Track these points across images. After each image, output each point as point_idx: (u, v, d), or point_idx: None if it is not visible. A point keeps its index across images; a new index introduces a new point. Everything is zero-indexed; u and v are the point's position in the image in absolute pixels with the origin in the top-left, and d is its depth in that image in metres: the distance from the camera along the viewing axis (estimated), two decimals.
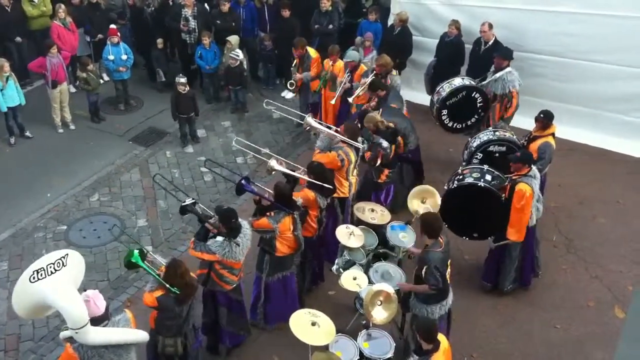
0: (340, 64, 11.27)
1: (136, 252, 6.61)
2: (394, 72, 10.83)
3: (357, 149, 8.80)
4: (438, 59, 12.17)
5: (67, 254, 6.00)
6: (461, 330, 7.99)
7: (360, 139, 9.01)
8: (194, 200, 7.35)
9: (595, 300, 8.71)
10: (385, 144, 9.02)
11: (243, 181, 7.66)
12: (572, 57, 11.65)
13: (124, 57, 12.77)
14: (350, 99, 10.66)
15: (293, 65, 11.93)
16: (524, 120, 10.64)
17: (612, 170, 11.20)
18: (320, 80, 11.47)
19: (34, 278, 5.72)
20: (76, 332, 5.67)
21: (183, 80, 11.73)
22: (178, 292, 6.47)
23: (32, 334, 8.25)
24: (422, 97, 11.85)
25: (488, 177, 8.41)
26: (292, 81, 11.93)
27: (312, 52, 11.85)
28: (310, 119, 9.14)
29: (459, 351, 7.69)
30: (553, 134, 9.02)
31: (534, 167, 8.21)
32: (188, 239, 8.98)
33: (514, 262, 8.51)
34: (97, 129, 12.64)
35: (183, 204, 7.25)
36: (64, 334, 5.95)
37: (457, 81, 10.62)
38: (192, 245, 7.18)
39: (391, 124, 9.28)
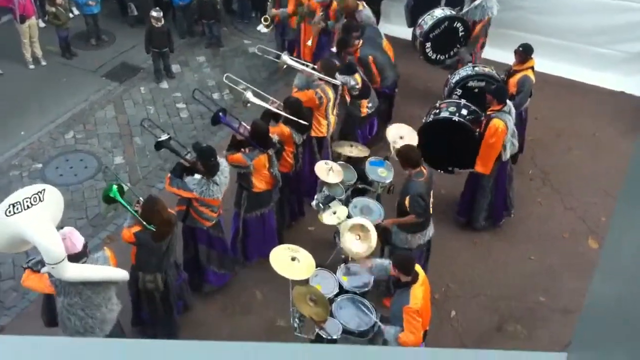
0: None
1: (115, 187, 6.57)
2: (361, 6, 10.54)
3: (334, 86, 8.69)
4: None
5: (45, 189, 5.92)
6: (438, 262, 8.12)
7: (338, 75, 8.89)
8: (169, 136, 7.29)
9: (569, 231, 8.88)
10: (349, 81, 8.84)
11: (220, 113, 7.57)
12: None
13: None
14: (333, 49, 10.38)
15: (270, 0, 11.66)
16: (502, 54, 10.59)
17: (587, 103, 11.27)
18: (297, 16, 11.19)
19: (9, 212, 5.65)
20: (53, 268, 5.69)
21: (156, 14, 11.39)
22: (154, 230, 6.49)
23: (13, 272, 8.24)
24: (401, 31, 11.69)
25: (464, 112, 8.45)
26: (267, 16, 11.65)
27: None
28: (286, 57, 8.90)
29: (436, 283, 7.85)
30: (532, 68, 9.00)
31: (509, 103, 8.22)
32: (166, 176, 8.90)
33: (487, 197, 8.59)
34: (69, 64, 12.36)
35: (158, 139, 7.19)
36: (43, 269, 5.96)
37: (438, 12, 10.48)
38: (168, 181, 7.17)
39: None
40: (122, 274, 6.31)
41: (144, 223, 6.48)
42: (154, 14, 11.40)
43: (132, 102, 11.42)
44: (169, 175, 7.20)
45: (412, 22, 11.27)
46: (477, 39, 10.66)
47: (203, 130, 10.60)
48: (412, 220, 7.18)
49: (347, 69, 8.96)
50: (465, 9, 10.60)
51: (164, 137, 7.22)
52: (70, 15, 12.76)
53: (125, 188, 6.80)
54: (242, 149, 7.56)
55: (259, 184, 7.73)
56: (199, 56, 12.77)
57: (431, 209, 7.31)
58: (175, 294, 7.25)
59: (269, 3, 11.64)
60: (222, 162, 7.21)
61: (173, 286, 7.13)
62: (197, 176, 7.05)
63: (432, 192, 7.27)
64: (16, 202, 5.67)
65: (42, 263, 6.00)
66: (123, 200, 6.60)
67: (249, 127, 7.64)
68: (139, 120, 10.79)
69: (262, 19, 11.80)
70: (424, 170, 7.11)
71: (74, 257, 5.85)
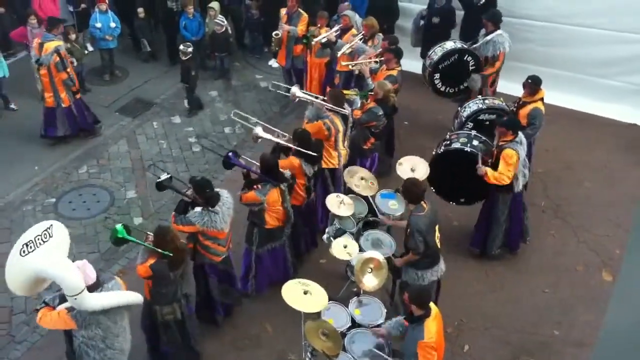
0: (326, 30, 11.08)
1: (120, 227, 6.59)
2: (380, 35, 10.71)
3: (344, 117, 8.76)
4: (427, 25, 12.09)
5: (52, 225, 6.04)
6: (450, 295, 8.06)
7: (346, 104, 8.97)
8: (169, 175, 7.34)
9: (583, 264, 8.81)
10: (381, 113, 8.97)
11: (230, 154, 7.65)
12: (558, 22, 11.71)
13: (112, 25, 12.58)
14: (338, 54, 10.51)
15: (280, 19, 11.77)
16: (512, 87, 10.62)
17: (598, 135, 11.26)
18: (304, 39, 11.26)
19: (24, 252, 5.73)
20: (75, 299, 5.72)
21: (182, 47, 11.58)
22: (171, 255, 6.51)
23: (25, 306, 8.24)
24: (410, 64, 11.79)
25: (475, 142, 8.48)
26: (277, 32, 11.76)
27: (303, 12, 11.73)
28: (296, 89, 8.99)
29: (449, 316, 7.77)
30: (542, 99, 9.02)
31: (520, 133, 8.22)
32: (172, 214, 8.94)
33: (501, 226, 8.56)
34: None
35: (158, 180, 7.25)
36: (63, 305, 5.99)
37: (449, 44, 10.55)
38: (173, 220, 7.22)
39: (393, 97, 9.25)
40: (139, 297, 6.36)
41: (160, 251, 6.50)
42: (181, 47, 11.63)
43: (145, 136, 11.51)
44: (174, 213, 7.27)
45: (417, 42, 11.31)
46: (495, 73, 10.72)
47: (215, 164, 10.63)
48: (411, 257, 7.16)
49: (391, 108, 9.18)
50: (478, 44, 10.62)
51: (163, 177, 7.26)
52: (85, 51, 12.94)
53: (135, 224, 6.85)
54: (255, 186, 7.61)
55: (271, 220, 7.76)
56: (211, 91, 12.89)
57: (438, 243, 7.24)
58: (189, 322, 7.21)
59: (280, 23, 11.78)
60: (224, 192, 7.25)
61: (186, 316, 7.12)
62: (198, 209, 7.09)
63: (437, 226, 7.19)
64: (29, 242, 5.77)
65: (60, 297, 6.03)
66: (132, 237, 6.63)
67: (258, 164, 7.69)
68: (152, 154, 10.94)
69: (273, 34, 11.88)
70: (424, 205, 7.07)
71: (90, 288, 5.88)
